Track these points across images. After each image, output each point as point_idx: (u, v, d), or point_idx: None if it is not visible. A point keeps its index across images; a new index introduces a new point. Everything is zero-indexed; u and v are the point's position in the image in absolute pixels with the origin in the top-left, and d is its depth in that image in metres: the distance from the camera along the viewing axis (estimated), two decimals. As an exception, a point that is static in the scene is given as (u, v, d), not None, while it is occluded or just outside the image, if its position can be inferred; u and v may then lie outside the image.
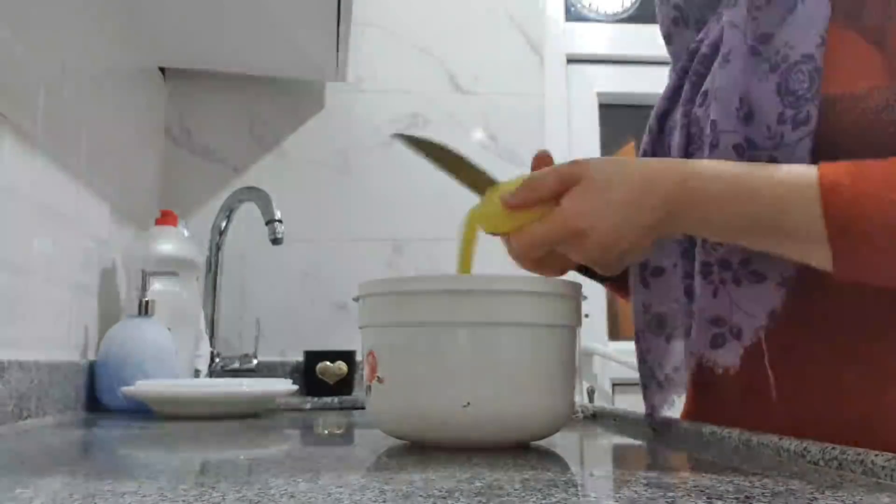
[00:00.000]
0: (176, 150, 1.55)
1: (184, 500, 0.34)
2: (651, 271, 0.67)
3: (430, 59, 1.65)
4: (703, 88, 0.63)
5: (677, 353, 0.66)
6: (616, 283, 0.76)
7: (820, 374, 0.59)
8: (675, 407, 0.69)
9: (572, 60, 1.80)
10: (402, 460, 0.49)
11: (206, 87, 1.57)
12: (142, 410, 0.96)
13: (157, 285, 1.12)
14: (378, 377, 0.56)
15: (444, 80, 1.64)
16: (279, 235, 1.23)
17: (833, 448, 0.46)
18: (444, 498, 0.35)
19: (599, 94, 1.80)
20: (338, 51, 1.39)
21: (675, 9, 0.72)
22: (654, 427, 0.69)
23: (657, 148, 0.69)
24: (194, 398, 0.91)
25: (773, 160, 0.56)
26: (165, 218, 1.20)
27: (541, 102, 1.66)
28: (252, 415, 0.95)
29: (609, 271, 0.60)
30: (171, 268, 1.13)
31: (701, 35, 0.67)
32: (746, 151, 0.57)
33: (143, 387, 0.92)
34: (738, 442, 0.56)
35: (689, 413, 0.73)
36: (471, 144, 1.61)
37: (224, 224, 1.36)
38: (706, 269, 0.60)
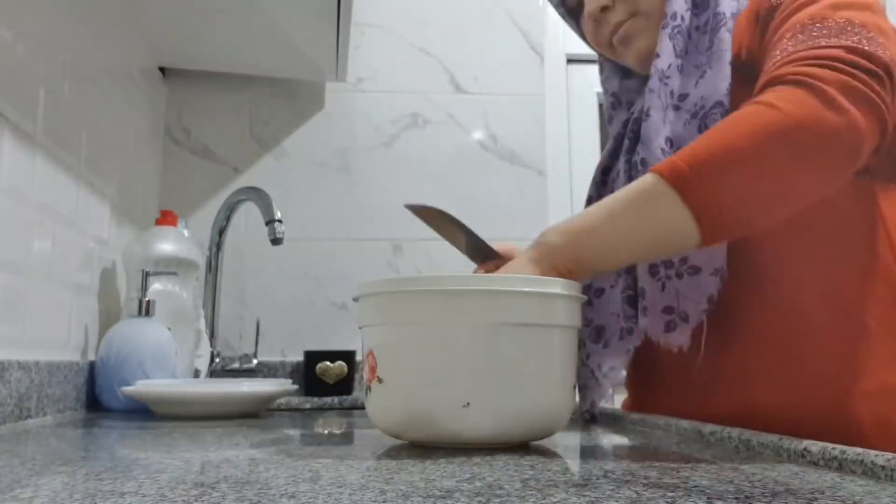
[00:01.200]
0: (176, 150, 1.55)
1: (184, 500, 0.34)
2: (594, 292, 0.83)
3: (430, 59, 1.65)
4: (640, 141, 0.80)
5: (611, 357, 0.80)
6: None
7: (731, 356, 0.73)
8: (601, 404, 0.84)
9: (572, 60, 1.80)
10: (402, 460, 0.49)
11: (205, 87, 1.57)
12: (142, 410, 0.96)
13: (157, 285, 1.12)
14: (378, 377, 0.56)
15: (444, 80, 1.64)
16: (279, 235, 1.23)
17: (833, 448, 0.46)
18: (444, 498, 0.35)
19: (599, 95, 1.80)
20: (338, 51, 1.39)
21: (612, 96, 0.94)
22: (596, 420, 0.84)
23: (602, 193, 0.88)
24: (194, 398, 0.91)
25: None
26: (165, 218, 1.20)
27: (541, 102, 1.66)
28: (252, 415, 0.95)
29: None
30: (171, 268, 1.13)
31: (633, 109, 0.87)
32: None
33: (143, 387, 0.92)
34: (738, 442, 0.56)
35: (630, 404, 0.89)
36: (471, 144, 1.61)
37: (224, 224, 1.36)
38: (653, 269, 0.75)
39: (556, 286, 0.56)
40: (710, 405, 0.73)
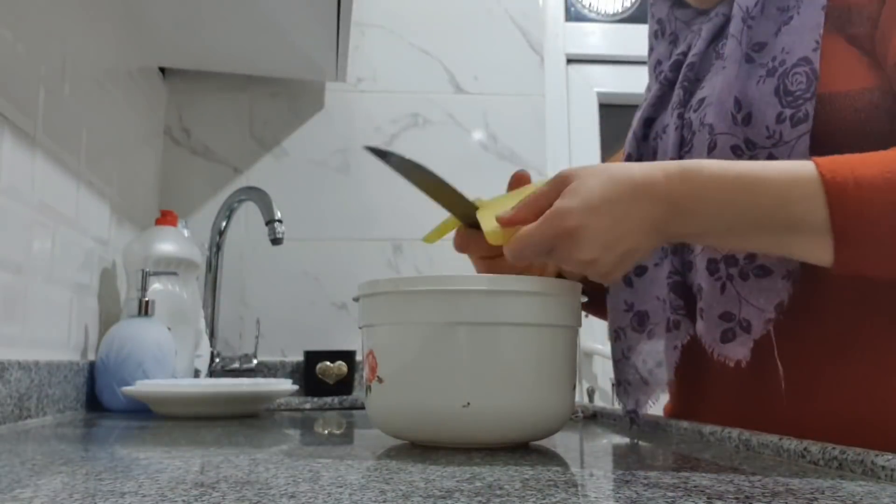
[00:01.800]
0: (176, 150, 1.55)
1: (184, 500, 0.34)
2: (634, 270, 0.69)
3: (430, 59, 1.65)
4: (696, 95, 0.67)
5: (657, 351, 0.68)
6: (594, 306, 0.76)
7: (828, 366, 0.60)
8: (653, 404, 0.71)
9: (572, 60, 1.80)
10: (402, 460, 0.49)
11: (205, 87, 1.57)
12: (142, 410, 0.96)
13: (157, 285, 1.12)
14: (378, 377, 0.56)
15: (444, 80, 1.64)
16: (279, 235, 1.23)
17: (833, 448, 0.46)
18: (444, 498, 0.35)
19: (599, 94, 1.80)
20: (338, 51, 1.39)
21: (657, 23, 0.78)
22: (639, 425, 0.71)
23: (643, 152, 0.73)
24: (194, 398, 0.91)
25: (771, 158, 0.58)
26: (165, 218, 1.20)
27: (541, 102, 1.66)
28: (252, 415, 0.95)
29: (607, 279, 0.56)
30: (171, 268, 1.13)
31: (682, 48, 0.72)
32: (745, 153, 0.60)
33: (143, 387, 0.92)
34: (738, 442, 0.56)
35: (675, 409, 0.75)
36: (471, 144, 1.61)
37: (224, 224, 1.36)
38: (712, 266, 0.62)
39: (557, 287, 0.56)
40: (799, 417, 0.60)
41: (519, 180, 0.67)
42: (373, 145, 0.65)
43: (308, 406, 1.15)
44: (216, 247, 1.36)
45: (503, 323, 0.54)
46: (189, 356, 1.18)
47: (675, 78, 0.71)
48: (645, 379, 0.69)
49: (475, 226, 0.62)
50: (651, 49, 0.80)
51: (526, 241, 0.54)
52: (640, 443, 0.63)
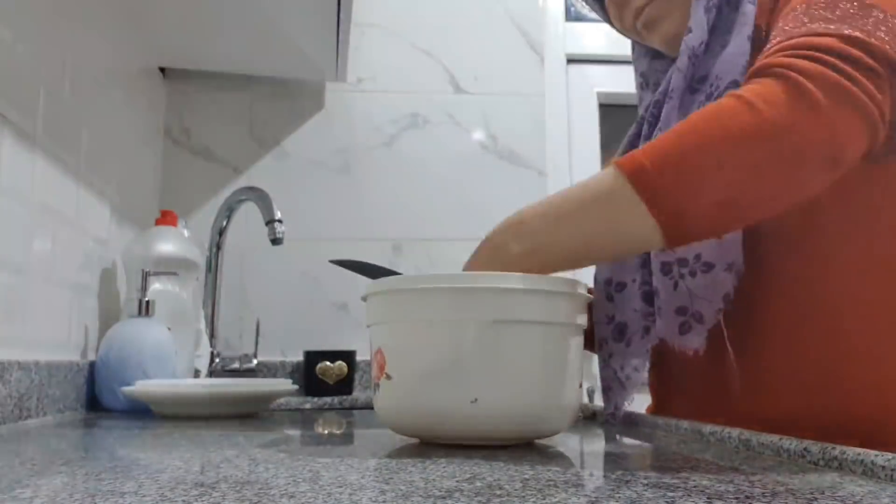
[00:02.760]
0: (176, 150, 1.55)
1: (184, 500, 0.34)
2: (615, 286, 0.77)
3: (430, 59, 1.65)
4: (655, 129, 0.76)
5: (634, 357, 0.76)
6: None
7: (774, 350, 0.68)
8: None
9: (572, 60, 1.80)
10: (401, 460, 0.49)
11: (205, 87, 1.57)
12: (142, 410, 0.96)
13: (157, 285, 1.12)
14: (387, 374, 0.56)
15: (444, 80, 1.64)
16: (279, 235, 1.23)
17: (833, 448, 0.46)
18: (444, 498, 0.35)
19: (599, 94, 1.80)
20: (338, 51, 1.39)
21: (641, 76, 0.89)
22: (616, 423, 0.78)
23: None
24: (194, 398, 0.91)
25: None
26: (165, 218, 1.20)
27: (541, 102, 1.66)
28: (252, 415, 0.95)
29: None
30: (171, 268, 1.13)
31: (659, 90, 0.81)
32: None
33: (143, 387, 0.92)
34: (738, 442, 0.56)
35: (654, 408, 0.84)
36: (471, 144, 1.61)
37: (224, 224, 1.35)
38: (666, 267, 0.70)
39: (565, 284, 0.57)
40: (750, 411, 0.67)
41: None
42: (335, 259, 0.75)
43: (308, 406, 1.15)
44: (216, 247, 1.36)
45: (511, 320, 0.54)
46: (189, 356, 1.18)
47: (647, 115, 0.80)
48: (623, 383, 0.76)
49: None
50: (640, 99, 0.89)
51: None
52: (641, 443, 0.63)
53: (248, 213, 1.49)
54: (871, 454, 0.42)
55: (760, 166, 0.56)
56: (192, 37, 1.35)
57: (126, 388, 0.93)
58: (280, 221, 1.23)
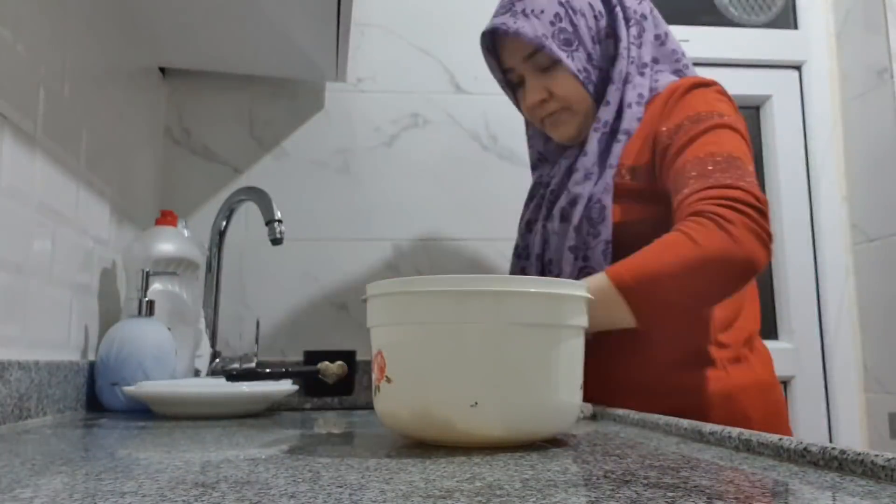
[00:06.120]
0: (176, 150, 1.55)
1: (184, 500, 0.34)
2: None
3: (430, 59, 1.65)
4: (553, 210, 1.05)
5: None
6: None
7: (624, 347, 0.97)
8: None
9: (572, 60, 1.80)
10: (402, 460, 0.49)
11: (206, 87, 1.57)
12: (142, 410, 0.96)
13: (157, 285, 1.12)
14: (387, 377, 0.56)
15: (444, 80, 1.64)
16: (279, 235, 1.23)
17: (833, 448, 0.46)
18: (444, 498, 0.35)
19: (599, 94, 1.80)
20: (338, 51, 1.39)
21: (537, 153, 1.19)
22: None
23: (527, 242, 1.12)
24: (194, 398, 0.91)
25: (586, 257, 0.99)
26: (165, 218, 1.20)
27: (541, 102, 1.65)
28: (252, 415, 0.95)
29: None
30: (171, 268, 1.13)
31: (552, 172, 1.11)
32: (580, 251, 1.00)
33: (143, 387, 0.92)
34: (738, 442, 0.56)
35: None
36: (471, 144, 1.61)
37: (224, 224, 1.35)
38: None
39: (564, 286, 0.57)
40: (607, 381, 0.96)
41: None
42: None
43: (308, 406, 1.15)
44: (216, 247, 1.35)
45: (511, 323, 0.54)
46: (189, 356, 1.18)
47: (546, 194, 1.08)
48: None
49: None
50: (534, 168, 1.20)
51: None
52: (641, 443, 0.63)
53: (248, 213, 1.49)
54: (871, 454, 0.42)
55: (703, 281, 0.87)
56: (192, 37, 1.35)
57: (126, 388, 0.93)
58: (280, 221, 1.23)
